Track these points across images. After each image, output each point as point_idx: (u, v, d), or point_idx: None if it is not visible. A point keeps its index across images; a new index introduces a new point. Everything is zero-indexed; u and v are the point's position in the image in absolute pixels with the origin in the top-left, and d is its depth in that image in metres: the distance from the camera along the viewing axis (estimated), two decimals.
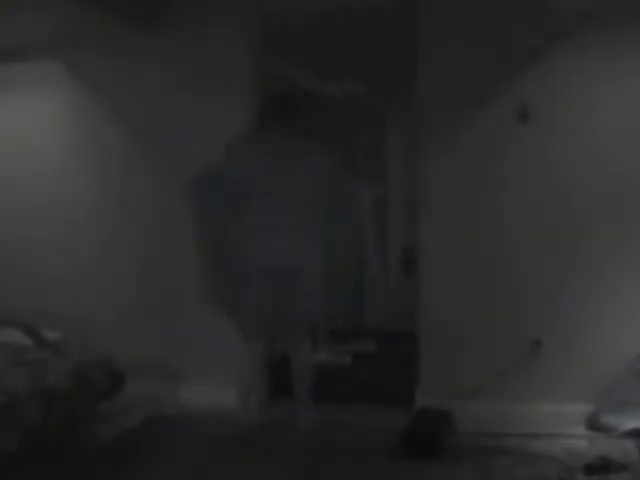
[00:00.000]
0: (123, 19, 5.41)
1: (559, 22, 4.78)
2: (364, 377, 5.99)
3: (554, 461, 4.19)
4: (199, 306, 4.83)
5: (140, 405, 5.12)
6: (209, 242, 4.75)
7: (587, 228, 4.80)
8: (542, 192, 4.89)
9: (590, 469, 4.00)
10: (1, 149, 6.12)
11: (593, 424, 4.61)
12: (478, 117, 5.00)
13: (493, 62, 4.95)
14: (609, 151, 4.77)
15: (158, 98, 5.62)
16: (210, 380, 5.20)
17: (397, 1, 5.33)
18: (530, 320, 4.89)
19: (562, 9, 4.74)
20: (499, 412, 4.79)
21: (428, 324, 5.10)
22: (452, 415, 4.71)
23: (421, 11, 5.10)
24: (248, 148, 4.81)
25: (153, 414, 5.14)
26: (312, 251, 4.65)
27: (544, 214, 4.88)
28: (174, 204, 5.26)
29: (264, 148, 4.80)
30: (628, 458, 4.10)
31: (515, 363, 4.87)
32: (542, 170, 4.89)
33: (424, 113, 5.13)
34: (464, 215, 5.04)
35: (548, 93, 4.87)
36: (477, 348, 4.96)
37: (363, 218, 5.01)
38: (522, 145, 4.92)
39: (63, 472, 4.13)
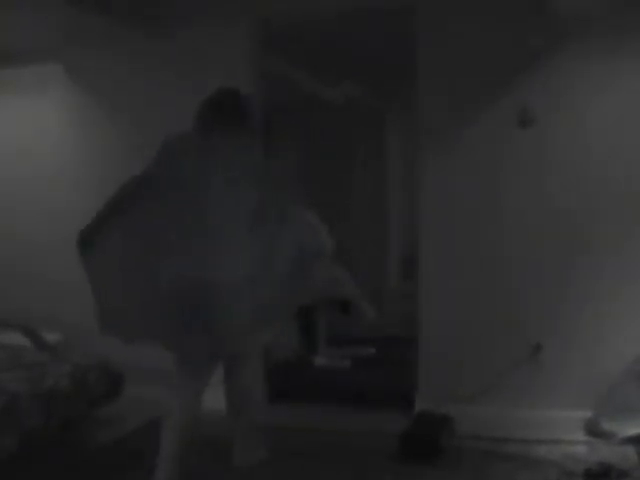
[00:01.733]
0: (123, 20, 5.42)
1: (559, 23, 4.77)
2: (363, 381, 5.99)
3: (554, 466, 4.19)
4: None
5: (140, 408, 5.11)
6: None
7: (587, 229, 4.79)
8: (542, 193, 4.87)
9: (590, 475, 4.00)
10: (3, 151, 6.14)
11: (593, 430, 4.60)
12: (478, 118, 4.99)
13: (493, 63, 4.94)
14: (609, 152, 4.76)
15: (159, 98, 5.62)
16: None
17: (396, 2, 5.31)
18: (530, 323, 4.88)
19: (561, 10, 4.72)
20: (499, 416, 4.80)
21: (428, 328, 5.10)
22: (452, 419, 4.70)
23: (421, 12, 5.09)
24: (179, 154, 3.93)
25: (154, 417, 5.13)
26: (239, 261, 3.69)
27: (544, 215, 4.87)
28: None
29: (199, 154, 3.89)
30: (628, 464, 4.10)
31: (515, 367, 4.86)
32: (542, 171, 4.88)
33: (424, 114, 5.12)
34: (464, 217, 5.04)
35: (548, 94, 4.84)
36: (477, 352, 4.96)
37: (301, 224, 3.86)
38: (522, 146, 4.91)
39: (62, 474, 4.13)
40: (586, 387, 4.69)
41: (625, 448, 4.32)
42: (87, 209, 5.76)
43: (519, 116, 4.88)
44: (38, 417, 4.04)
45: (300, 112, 7.34)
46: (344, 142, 7.98)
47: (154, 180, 3.91)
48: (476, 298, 4.99)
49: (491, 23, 4.92)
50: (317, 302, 4.69)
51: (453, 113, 5.06)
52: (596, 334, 4.76)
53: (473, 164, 5.02)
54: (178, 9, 5.52)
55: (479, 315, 4.97)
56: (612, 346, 4.72)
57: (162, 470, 3.72)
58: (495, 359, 4.93)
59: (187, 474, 3.80)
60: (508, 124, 4.92)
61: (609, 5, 4.70)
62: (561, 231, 4.84)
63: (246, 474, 4.07)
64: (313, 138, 7.60)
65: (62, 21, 5.38)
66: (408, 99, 5.76)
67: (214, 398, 4.52)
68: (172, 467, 3.72)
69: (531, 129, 4.87)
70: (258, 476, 4.11)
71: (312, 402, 5.17)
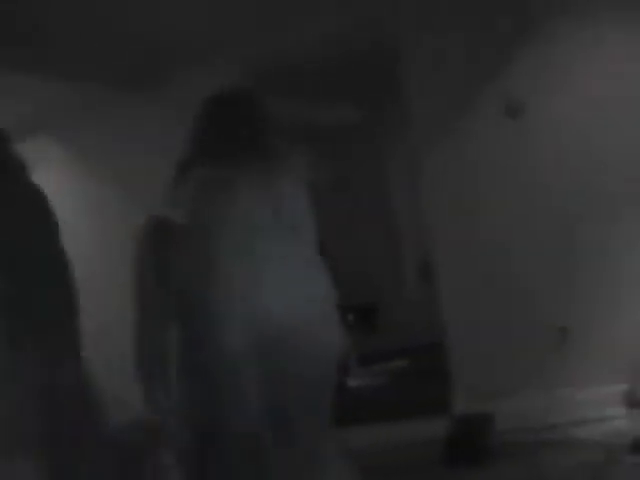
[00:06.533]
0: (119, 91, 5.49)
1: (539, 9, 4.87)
2: (400, 393, 5.97)
3: (599, 445, 4.13)
4: None
5: None
6: None
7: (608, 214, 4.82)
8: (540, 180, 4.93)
9: (637, 446, 3.94)
10: None
11: (631, 401, 4.59)
12: (473, 117, 5.06)
13: (479, 57, 5.03)
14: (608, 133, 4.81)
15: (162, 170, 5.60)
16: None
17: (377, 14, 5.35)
18: (553, 307, 4.88)
19: None
20: (537, 405, 4.76)
21: (454, 330, 5.10)
22: (492, 416, 4.66)
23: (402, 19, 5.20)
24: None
25: None
26: None
27: (550, 199, 4.92)
28: None
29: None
30: None
31: (545, 353, 4.84)
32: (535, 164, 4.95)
33: (417, 119, 5.23)
34: (471, 210, 5.09)
35: (537, 86, 4.92)
36: (506, 345, 4.93)
37: None
38: (515, 135, 4.96)
39: None
40: (619, 362, 4.66)
41: None
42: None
43: (506, 106, 4.93)
44: None
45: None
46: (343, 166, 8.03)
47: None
48: (496, 292, 5.00)
49: (474, 18, 5.02)
50: None
51: (447, 116, 5.14)
52: (620, 309, 4.77)
53: (472, 164, 5.08)
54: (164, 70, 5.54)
55: (502, 308, 4.96)
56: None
57: None
58: (525, 348, 4.89)
59: None
60: (499, 115, 4.99)
61: None
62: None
63: None
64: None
65: (55, 98, 5.45)
66: (398, 113, 5.83)
67: None
68: None
69: (521, 118, 4.93)
70: None
71: (352, 423, 5.14)
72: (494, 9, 4.93)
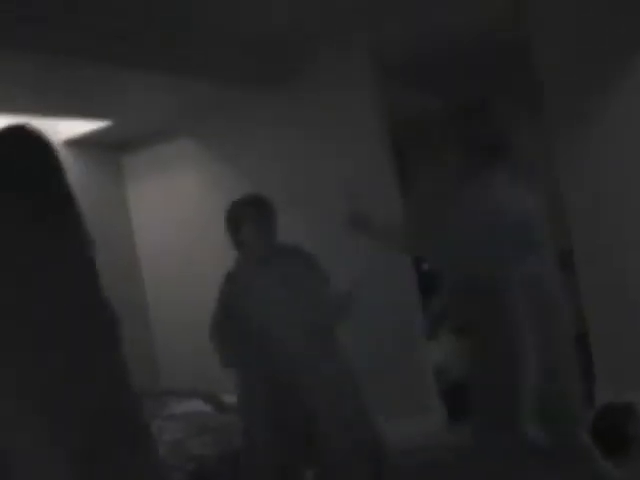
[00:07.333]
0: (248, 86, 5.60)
1: None
2: None
3: None
4: None
5: None
6: None
7: None
8: None
9: None
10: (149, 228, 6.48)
11: None
12: (608, 96, 4.89)
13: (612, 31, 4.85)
14: None
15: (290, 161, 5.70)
16: None
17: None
18: None
19: None
20: None
21: (595, 320, 4.98)
22: (636, 407, 4.53)
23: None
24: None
25: None
26: None
27: None
28: None
29: None
30: None
31: None
32: None
33: (551, 105, 5.14)
34: (613, 200, 4.93)
35: None
36: None
37: None
38: None
39: None
40: None
41: None
42: None
43: None
44: (227, 479, 4.12)
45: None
46: None
47: None
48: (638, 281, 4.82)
49: None
50: None
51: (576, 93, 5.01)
52: None
53: (612, 149, 4.93)
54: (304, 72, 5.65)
55: None
56: None
57: None
58: None
59: None
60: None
61: None
62: None
63: None
64: None
65: (190, 97, 5.62)
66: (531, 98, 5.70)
67: None
68: None
69: None
70: None
71: None
72: None
